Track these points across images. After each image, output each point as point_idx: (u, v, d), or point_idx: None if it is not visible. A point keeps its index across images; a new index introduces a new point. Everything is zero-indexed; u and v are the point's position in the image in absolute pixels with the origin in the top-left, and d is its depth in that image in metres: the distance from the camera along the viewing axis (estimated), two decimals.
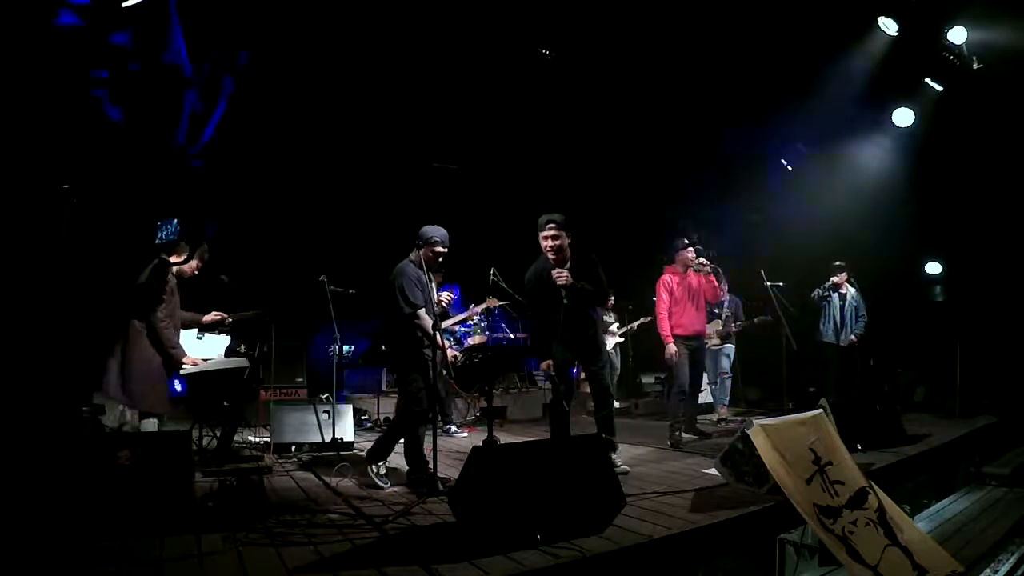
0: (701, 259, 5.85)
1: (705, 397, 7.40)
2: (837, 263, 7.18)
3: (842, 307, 7.10)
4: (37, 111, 4.83)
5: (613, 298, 9.00)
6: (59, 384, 4.78)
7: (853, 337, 7.05)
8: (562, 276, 4.27)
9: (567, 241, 4.40)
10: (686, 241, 5.91)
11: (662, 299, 5.81)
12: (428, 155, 8.41)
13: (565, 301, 4.31)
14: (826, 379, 7.14)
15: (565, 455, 3.36)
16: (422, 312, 4.20)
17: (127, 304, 4.38)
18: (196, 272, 4.70)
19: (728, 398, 7.35)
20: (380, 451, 4.36)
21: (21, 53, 4.61)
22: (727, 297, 7.09)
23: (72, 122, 5.13)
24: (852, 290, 7.14)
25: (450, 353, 4.37)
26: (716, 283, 5.83)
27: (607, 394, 4.64)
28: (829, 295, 7.13)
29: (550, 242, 4.37)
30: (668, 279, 5.87)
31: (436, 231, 4.34)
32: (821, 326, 7.16)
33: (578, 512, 3.12)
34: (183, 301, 4.81)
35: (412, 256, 4.41)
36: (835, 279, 7.11)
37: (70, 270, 4.92)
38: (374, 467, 4.30)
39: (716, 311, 7.06)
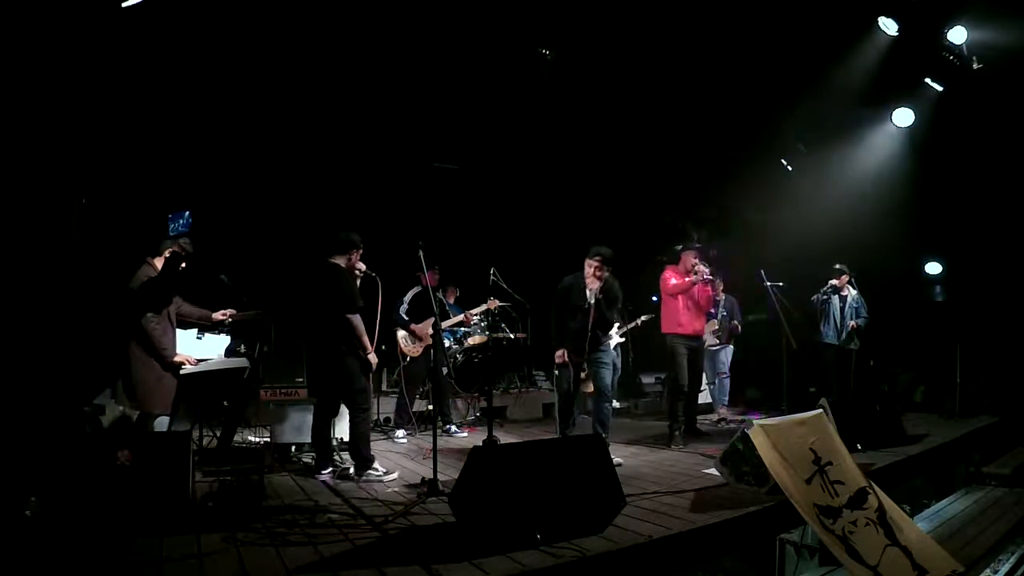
0: (701, 265, 5.87)
1: (704, 397, 7.40)
2: (837, 266, 7.17)
3: (842, 308, 7.09)
4: (46, 110, 4.82)
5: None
6: (61, 384, 4.77)
7: (852, 323, 6.99)
8: (594, 288, 4.97)
9: (607, 273, 5.03)
10: (697, 245, 5.95)
11: (670, 280, 5.87)
12: (428, 155, 8.40)
13: (587, 315, 4.95)
14: (827, 380, 7.14)
15: (565, 455, 3.36)
16: (357, 316, 4.45)
17: (133, 303, 4.36)
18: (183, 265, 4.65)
19: (727, 398, 7.35)
20: (361, 458, 4.43)
21: (29, 51, 4.61)
22: (722, 297, 7.10)
23: (81, 121, 5.12)
24: (853, 292, 7.13)
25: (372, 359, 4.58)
26: (711, 292, 6.01)
27: (603, 393, 5.10)
28: (829, 297, 7.13)
29: (594, 269, 4.98)
30: (668, 275, 5.96)
31: (356, 234, 4.65)
32: (822, 327, 7.16)
33: (578, 512, 3.12)
34: (188, 298, 4.81)
35: (342, 262, 4.59)
36: (834, 281, 7.11)
37: (78, 269, 4.91)
38: (372, 472, 4.37)
39: (712, 311, 7.06)
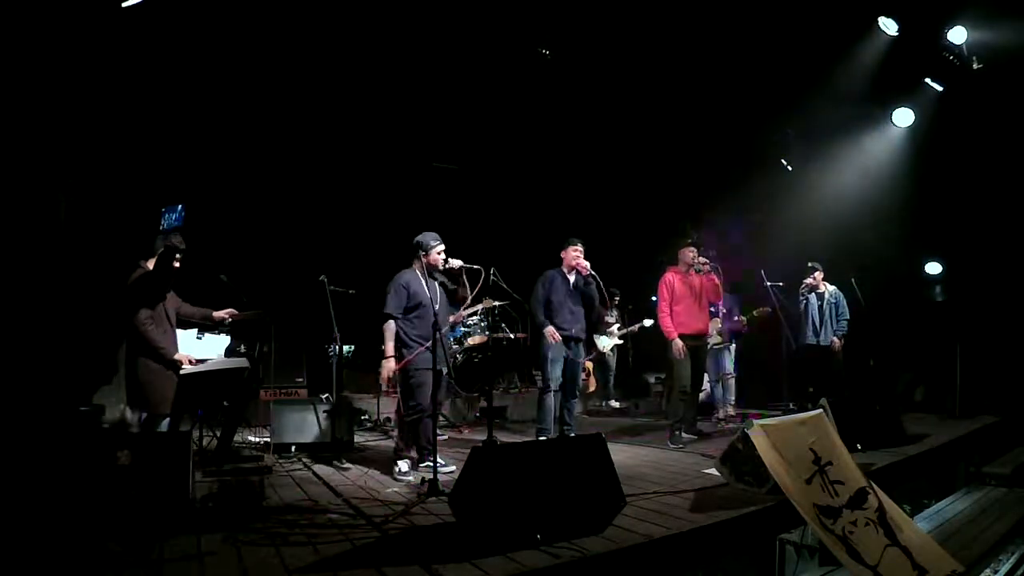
0: (701, 258, 5.87)
1: (705, 396, 7.39)
2: (810, 264, 7.19)
3: (820, 307, 7.08)
4: (36, 101, 4.82)
5: (618, 297, 9.01)
6: (58, 384, 4.77)
7: (835, 339, 6.97)
8: (585, 265, 5.41)
9: None
10: (689, 240, 5.93)
11: (663, 297, 5.85)
12: (428, 155, 8.40)
13: (571, 298, 5.46)
14: (811, 381, 7.09)
15: (565, 455, 3.36)
16: (389, 322, 4.53)
17: (128, 301, 4.35)
18: (177, 264, 4.62)
19: (734, 397, 7.31)
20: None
21: (22, 45, 4.61)
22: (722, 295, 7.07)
23: (71, 112, 5.11)
24: (830, 288, 7.12)
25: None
26: (718, 282, 5.90)
27: (575, 386, 5.52)
28: (805, 297, 7.15)
29: (580, 254, 5.47)
30: (670, 277, 5.89)
31: (433, 236, 4.67)
32: (804, 328, 7.18)
33: (578, 512, 3.12)
34: (188, 298, 4.80)
35: (415, 265, 4.65)
36: (808, 281, 7.13)
37: (69, 266, 4.89)
38: (395, 466, 4.53)
39: (712, 309, 7.05)
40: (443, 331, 4.58)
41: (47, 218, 4.93)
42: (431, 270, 4.65)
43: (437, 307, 4.63)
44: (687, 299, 5.83)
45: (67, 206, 5.07)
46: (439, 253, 4.67)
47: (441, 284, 4.77)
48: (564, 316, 5.39)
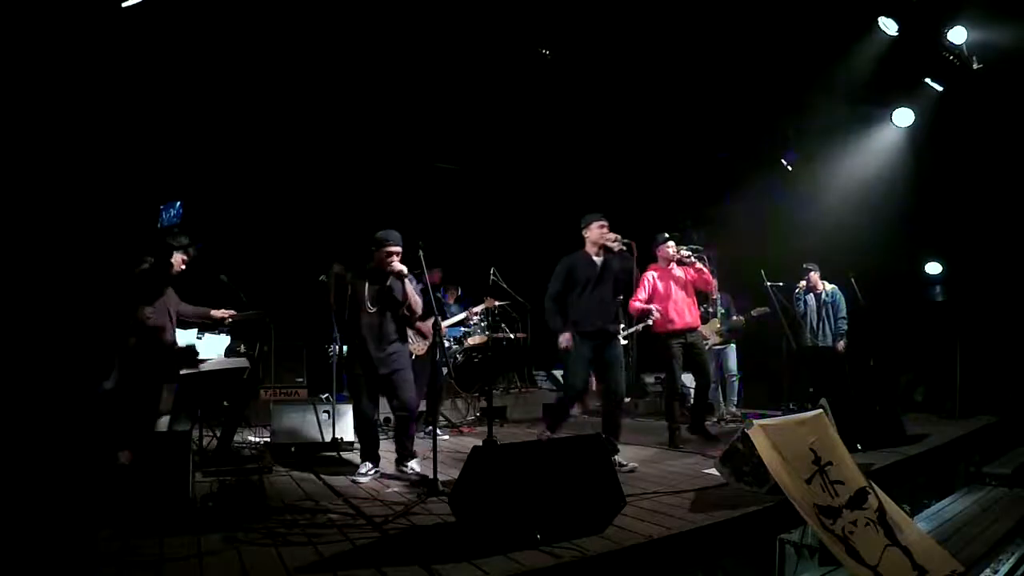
0: (682, 250, 5.71)
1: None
2: (805, 265, 7.20)
3: (817, 308, 7.09)
4: (36, 99, 4.83)
5: (621, 296, 9.00)
6: (58, 383, 4.77)
7: (840, 346, 6.99)
8: (616, 239, 4.71)
9: None
10: (666, 235, 5.78)
11: (636, 292, 5.64)
12: (429, 155, 8.41)
13: (600, 286, 4.77)
14: (809, 380, 7.08)
15: (565, 455, 3.36)
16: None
17: (128, 297, 4.35)
18: (183, 267, 4.61)
19: (736, 398, 7.29)
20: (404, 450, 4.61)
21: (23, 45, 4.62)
22: (718, 295, 7.02)
23: (71, 110, 5.12)
24: (828, 287, 7.12)
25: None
26: (705, 271, 5.69)
27: (616, 396, 4.82)
28: (801, 298, 7.16)
29: (606, 228, 4.79)
30: (650, 275, 5.75)
31: (387, 233, 4.51)
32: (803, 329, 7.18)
33: (578, 512, 3.12)
34: (187, 299, 4.81)
35: (373, 263, 4.55)
36: (803, 283, 7.16)
37: (68, 263, 4.90)
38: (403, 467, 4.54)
39: (711, 310, 7.04)
40: (373, 337, 4.46)
41: (47, 216, 4.93)
42: (380, 267, 4.48)
43: (369, 310, 4.46)
44: (671, 295, 5.66)
45: (67, 203, 5.08)
46: (387, 254, 4.42)
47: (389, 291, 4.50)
48: (589, 309, 4.72)
